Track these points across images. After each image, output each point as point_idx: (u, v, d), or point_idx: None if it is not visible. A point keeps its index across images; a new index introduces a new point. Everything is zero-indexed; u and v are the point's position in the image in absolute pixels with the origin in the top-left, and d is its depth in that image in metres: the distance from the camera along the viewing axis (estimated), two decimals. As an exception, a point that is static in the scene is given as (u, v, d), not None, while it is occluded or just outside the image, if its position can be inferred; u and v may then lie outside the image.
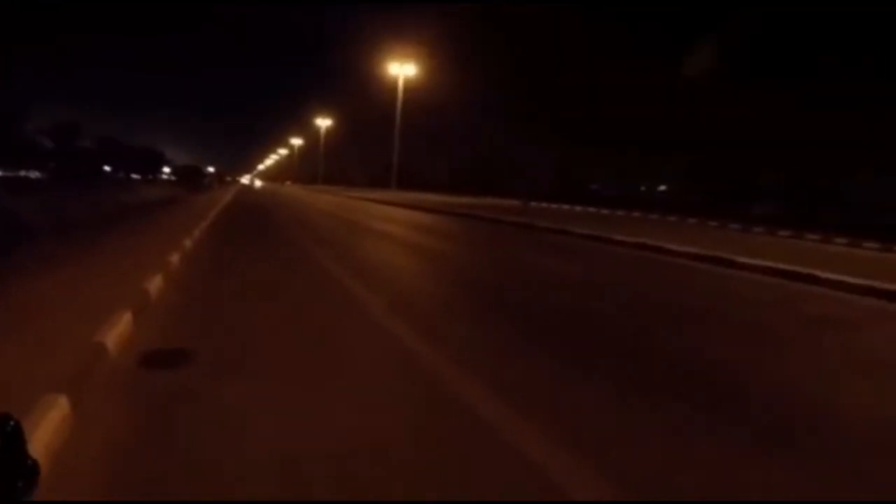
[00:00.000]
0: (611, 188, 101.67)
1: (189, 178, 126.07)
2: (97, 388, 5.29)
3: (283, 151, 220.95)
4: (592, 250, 20.74)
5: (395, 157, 75.08)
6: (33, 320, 6.91)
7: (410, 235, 24.30)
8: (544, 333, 8.43)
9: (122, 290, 8.53)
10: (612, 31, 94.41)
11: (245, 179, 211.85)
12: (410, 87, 72.70)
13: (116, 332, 6.50)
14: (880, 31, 55.75)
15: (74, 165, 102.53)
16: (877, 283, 13.43)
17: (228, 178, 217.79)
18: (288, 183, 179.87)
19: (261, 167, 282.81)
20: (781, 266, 15.81)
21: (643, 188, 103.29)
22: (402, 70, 71.26)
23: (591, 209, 54.86)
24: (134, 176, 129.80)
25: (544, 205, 61.24)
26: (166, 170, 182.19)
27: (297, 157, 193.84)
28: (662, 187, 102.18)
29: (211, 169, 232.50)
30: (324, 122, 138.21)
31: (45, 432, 4.01)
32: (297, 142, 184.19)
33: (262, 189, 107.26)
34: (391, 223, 29.94)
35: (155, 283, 9.48)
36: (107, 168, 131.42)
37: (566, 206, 58.69)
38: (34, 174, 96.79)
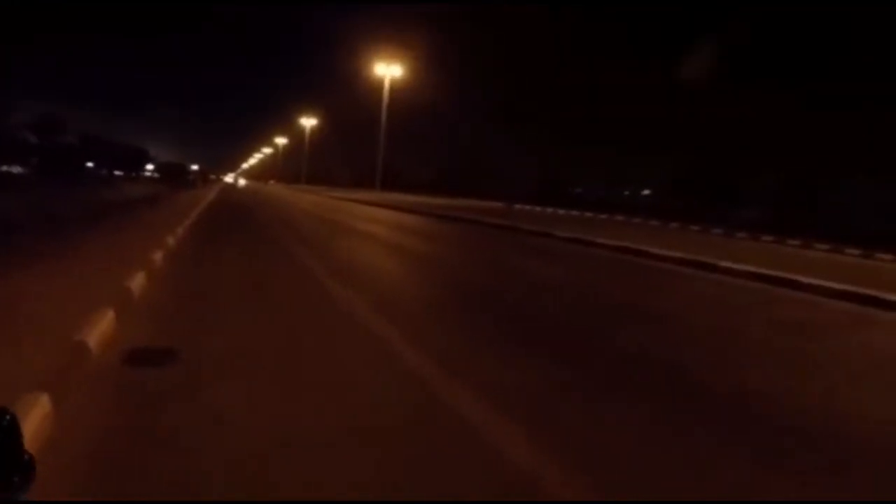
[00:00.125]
0: (594, 191, 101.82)
1: (173, 175, 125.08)
2: (79, 386, 5.29)
3: (267, 150, 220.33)
4: (574, 253, 20.81)
5: (380, 158, 75.00)
6: (14, 317, 6.89)
7: (394, 237, 24.31)
8: (526, 334, 8.49)
9: (105, 287, 8.50)
10: (599, 32, 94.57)
11: (229, 178, 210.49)
12: (396, 87, 72.67)
13: (99, 330, 6.49)
14: (871, 33, 56.09)
15: (57, 161, 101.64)
16: (850, 288, 13.57)
17: (213, 177, 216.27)
18: (271, 182, 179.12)
19: (245, 166, 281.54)
20: (761, 270, 15.93)
21: (627, 192, 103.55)
22: (388, 71, 71.19)
23: (575, 212, 54.95)
24: (117, 173, 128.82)
25: (527, 207, 61.26)
26: (150, 167, 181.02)
27: (281, 157, 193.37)
28: (646, 192, 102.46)
29: (195, 167, 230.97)
30: (309, 122, 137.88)
31: (26, 431, 3.99)
32: (281, 141, 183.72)
33: (246, 188, 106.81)
34: (375, 224, 29.92)
35: (138, 281, 9.46)
36: (90, 164, 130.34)
37: (549, 209, 58.73)
38: (16, 169, 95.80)
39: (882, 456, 5.16)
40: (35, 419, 4.20)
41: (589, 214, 52.28)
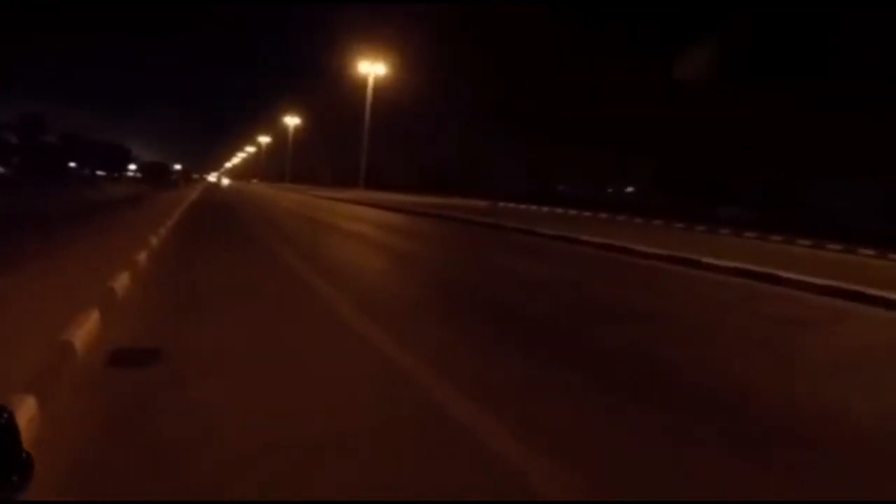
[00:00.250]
0: (579, 189, 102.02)
1: (155, 175, 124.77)
2: (65, 387, 5.28)
3: (250, 149, 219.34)
4: (559, 251, 20.89)
5: (363, 157, 74.86)
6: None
7: (378, 235, 24.31)
8: (509, 331, 8.54)
9: (90, 288, 8.48)
10: (586, 32, 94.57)
11: (212, 177, 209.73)
12: (381, 86, 72.58)
13: (84, 330, 6.48)
14: (863, 33, 56.34)
15: (39, 161, 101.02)
16: (831, 283, 13.69)
17: (196, 176, 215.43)
18: (254, 181, 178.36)
19: (228, 165, 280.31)
20: (744, 266, 16.05)
21: (610, 190, 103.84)
22: (372, 69, 71.07)
23: (559, 210, 55.04)
24: (99, 173, 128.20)
25: (512, 205, 61.32)
26: (132, 167, 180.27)
27: (264, 156, 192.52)
28: (629, 189, 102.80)
29: (178, 166, 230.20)
30: (292, 121, 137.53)
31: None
32: (265, 140, 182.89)
33: (230, 187, 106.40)
34: (358, 222, 29.90)
35: (122, 282, 9.44)
36: (72, 164, 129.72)
37: (534, 207, 58.81)
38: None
39: (850, 444, 5.23)
40: (21, 421, 4.19)
41: (573, 212, 52.35)
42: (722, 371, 7.36)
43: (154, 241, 15.16)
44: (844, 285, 13.56)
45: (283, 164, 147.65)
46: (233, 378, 5.86)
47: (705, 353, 8.26)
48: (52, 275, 9.72)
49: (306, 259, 14.82)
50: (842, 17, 57.30)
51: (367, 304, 9.66)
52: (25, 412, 4.32)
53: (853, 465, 4.89)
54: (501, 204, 63.19)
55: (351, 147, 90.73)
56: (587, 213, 50.77)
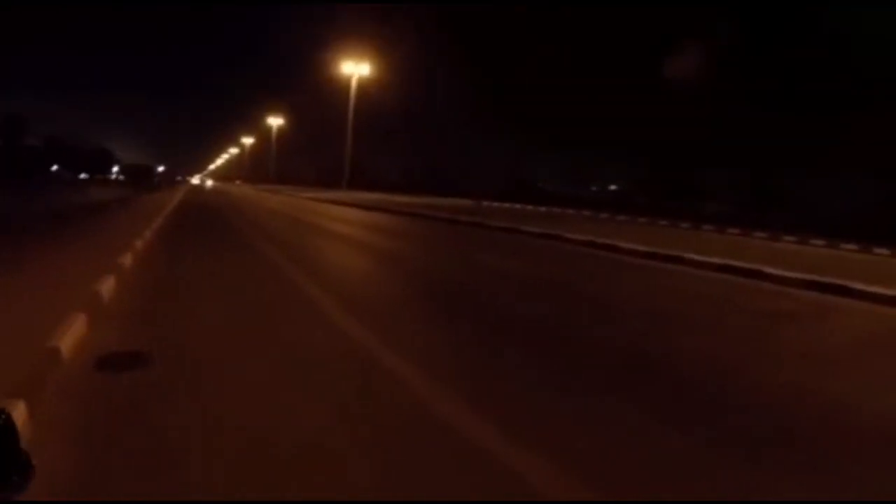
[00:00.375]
0: (562, 187, 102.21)
1: (138, 178, 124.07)
2: (54, 392, 5.29)
3: (234, 150, 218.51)
4: (543, 248, 20.97)
5: (347, 157, 74.80)
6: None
7: (363, 235, 24.31)
8: (491, 325, 8.60)
9: (76, 292, 8.47)
10: (573, 30, 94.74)
11: (196, 179, 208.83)
12: (363, 86, 72.51)
13: (72, 334, 6.48)
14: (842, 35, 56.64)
15: (21, 164, 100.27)
16: (813, 277, 13.82)
17: (179, 178, 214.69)
18: (238, 182, 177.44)
19: (211, 167, 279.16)
20: (725, 262, 16.18)
21: (594, 188, 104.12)
22: (355, 69, 71.01)
23: (543, 208, 55.14)
24: (82, 175, 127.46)
25: (496, 204, 61.40)
26: (115, 169, 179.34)
27: (247, 157, 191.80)
28: (613, 187, 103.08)
29: (161, 168, 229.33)
30: (276, 121, 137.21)
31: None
32: (248, 141, 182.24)
33: (214, 189, 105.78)
34: (343, 223, 29.88)
35: (108, 285, 9.43)
36: (54, 167, 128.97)
37: (518, 206, 58.91)
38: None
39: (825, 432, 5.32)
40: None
41: (557, 210, 52.47)
42: (705, 360, 7.44)
43: (139, 244, 15.12)
44: (827, 280, 13.70)
45: (267, 165, 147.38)
46: (223, 379, 5.88)
47: (689, 344, 8.34)
48: (40, 279, 9.68)
49: (292, 260, 14.82)
50: (827, 17, 57.58)
51: (353, 304, 9.70)
52: (17, 417, 4.33)
53: (833, 449, 4.97)
54: (485, 203, 63.27)
55: (334, 147, 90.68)
56: (571, 211, 50.90)
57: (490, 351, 7.49)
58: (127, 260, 12.27)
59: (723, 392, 6.41)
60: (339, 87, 73.77)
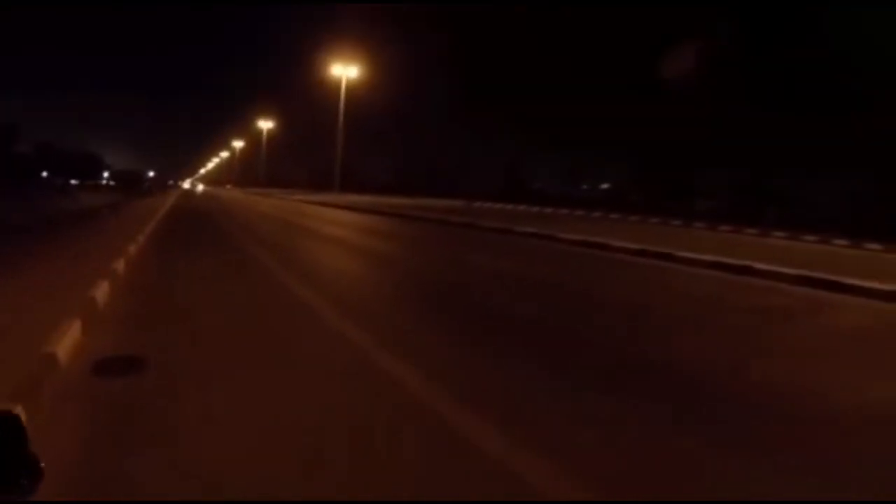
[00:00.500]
0: (554, 187, 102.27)
1: (129, 183, 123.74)
2: (52, 396, 5.30)
3: (224, 154, 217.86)
4: (536, 248, 21.02)
5: (338, 159, 74.77)
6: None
7: (355, 238, 24.35)
8: (485, 326, 8.63)
9: (70, 297, 8.47)
10: (566, 30, 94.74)
11: (186, 184, 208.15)
12: (354, 87, 72.49)
13: (67, 340, 6.49)
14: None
15: (12, 171, 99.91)
16: (805, 273, 13.88)
17: (170, 182, 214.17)
18: (228, 186, 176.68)
19: (202, 171, 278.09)
20: (717, 259, 16.25)
21: (586, 187, 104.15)
22: (344, 71, 70.99)
23: (535, 208, 55.15)
24: (73, 182, 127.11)
25: (488, 205, 61.40)
26: (106, 175, 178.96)
27: (237, 160, 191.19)
28: (605, 185, 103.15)
29: (151, 173, 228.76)
30: (266, 125, 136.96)
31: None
32: (238, 144, 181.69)
33: (205, 193, 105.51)
34: (335, 226, 29.88)
35: (102, 290, 9.42)
36: (45, 174, 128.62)
37: (510, 206, 58.92)
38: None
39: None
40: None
41: (549, 210, 52.48)
42: (696, 357, 7.48)
43: (132, 249, 15.10)
44: (818, 275, 13.76)
45: (258, 169, 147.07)
46: (218, 383, 5.90)
47: (680, 342, 8.39)
48: (34, 285, 9.67)
49: (284, 263, 14.84)
50: (827, 17, 57.67)
51: (347, 307, 9.73)
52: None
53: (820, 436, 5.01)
54: (477, 203, 63.27)
55: (325, 150, 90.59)
56: (563, 211, 50.91)
57: (483, 350, 7.52)
58: (120, 265, 12.26)
59: (712, 388, 6.44)
60: (330, 89, 73.80)
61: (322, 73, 74.17)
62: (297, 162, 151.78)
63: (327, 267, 15.97)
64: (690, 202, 66.98)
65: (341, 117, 70.71)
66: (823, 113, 57.06)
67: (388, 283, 13.48)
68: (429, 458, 4.46)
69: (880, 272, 14.88)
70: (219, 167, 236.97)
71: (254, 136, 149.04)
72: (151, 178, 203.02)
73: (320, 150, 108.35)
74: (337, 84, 71.33)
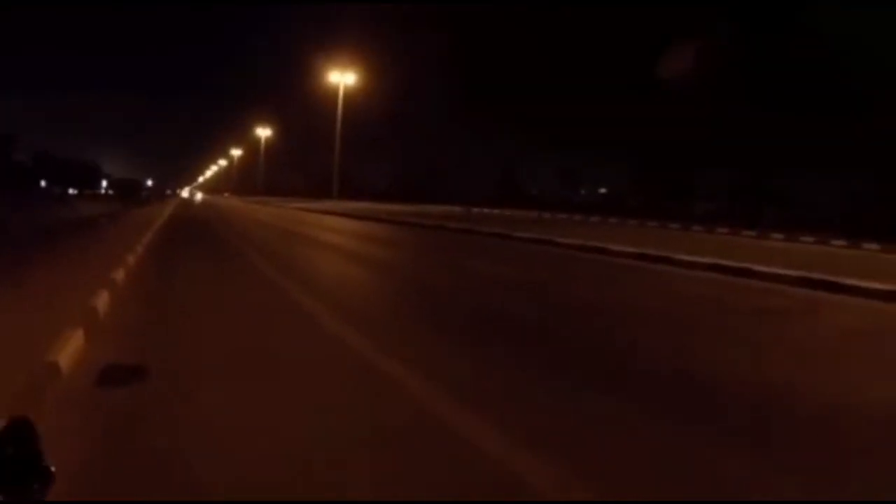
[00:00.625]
0: (552, 192, 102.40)
1: (127, 192, 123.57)
2: (55, 405, 5.32)
3: (222, 162, 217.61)
4: (535, 253, 21.07)
5: (336, 167, 74.79)
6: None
7: (356, 245, 24.39)
8: (491, 332, 8.66)
9: (71, 307, 8.48)
10: (563, 30, 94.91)
11: (185, 192, 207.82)
12: (351, 94, 72.51)
13: (70, 350, 6.50)
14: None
15: (10, 180, 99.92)
16: (804, 274, 13.92)
17: (168, 191, 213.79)
18: (226, 195, 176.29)
19: (200, 179, 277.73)
20: (715, 261, 16.30)
21: (584, 191, 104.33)
22: (342, 78, 71.03)
23: (533, 213, 55.21)
24: (71, 191, 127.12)
25: (486, 210, 61.45)
26: (104, 184, 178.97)
27: (236, 169, 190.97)
28: (603, 190, 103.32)
29: (149, 182, 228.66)
30: (264, 132, 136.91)
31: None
32: (237, 152, 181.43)
33: (203, 202, 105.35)
34: (335, 233, 29.95)
35: (103, 300, 9.43)
36: (43, 183, 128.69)
37: (508, 212, 58.99)
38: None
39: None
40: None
41: (547, 215, 52.56)
42: (694, 359, 7.51)
43: (131, 259, 15.10)
44: (817, 276, 13.80)
45: (256, 177, 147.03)
46: (220, 391, 5.92)
47: (680, 344, 8.42)
48: (34, 294, 9.69)
49: (283, 271, 14.83)
50: (826, 18, 57.79)
51: (346, 312, 9.76)
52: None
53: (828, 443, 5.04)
54: (475, 209, 63.32)
55: (323, 157, 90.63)
56: (562, 216, 50.99)
57: (483, 353, 7.55)
58: (120, 274, 12.26)
59: (711, 388, 6.47)
60: (327, 95, 73.78)
61: (320, 79, 74.20)
62: (295, 169, 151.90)
63: (327, 274, 16.02)
64: (690, 204, 67.06)
65: (339, 124, 70.81)
66: (823, 113, 57.15)
67: (388, 290, 13.52)
68: (427, 456, 4.49)
69: (879, 272, 14.93)
70: (217, 175, 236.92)
71: (252, 145, 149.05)
72: (150, 187, 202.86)
73: (318, 157, 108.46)
74: (335, 90, 71.35)
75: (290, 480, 4.13)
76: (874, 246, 24.42)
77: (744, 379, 6.93)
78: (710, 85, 62.26)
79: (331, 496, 3.96)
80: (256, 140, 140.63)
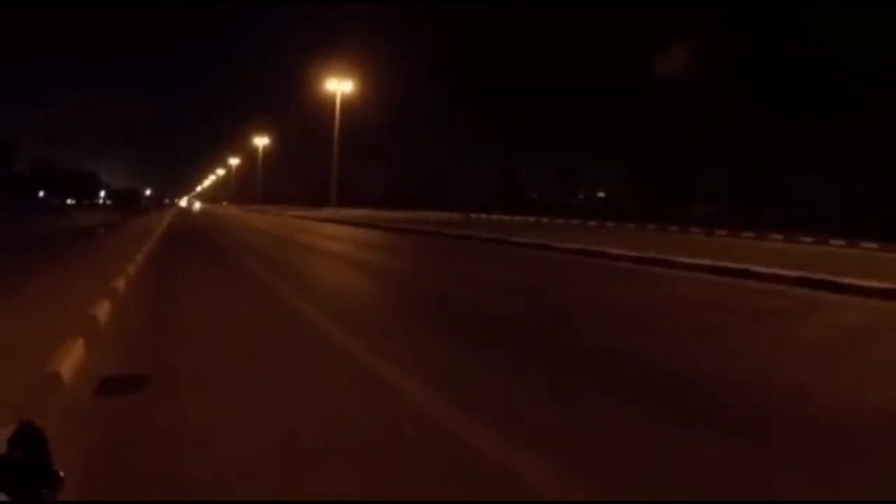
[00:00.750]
0: (551, 195, 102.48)
1: (126, 202, 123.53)
2: (57, 414, 5.33)
3: (220, 171, 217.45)
4: (534, 258, 21.11)
5: (334, 175, 74.70)
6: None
7: (356, 253, 24.41)
8: (473, 330, 8.68)
9: (73, 316, 8.49)
10: (561, 31, 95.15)
11: (183, 202, 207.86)
12: (348, 101, 72.45)
13: (71, 359, 6.51)
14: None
15: (9, 191, 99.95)
16: (804, 274, 13.94)
17: (167, 201, 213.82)
18: (224, 204, 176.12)
19: (199, 188, 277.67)
20: (714, 263, 16.33)
21: (582, 196, 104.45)
22: (339, 86, 70.99)
23: (532, 218, 55.25)
24: (69, 201, 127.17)
25: (484, 216, 61.47)
26: (102, 193, 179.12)
27: (234, 178, 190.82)
28: (601, 194, 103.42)
29: (148, 192, 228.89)
30: (261, 141, 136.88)
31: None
32: (235, 161, 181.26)
33: (202, 211, 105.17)
34: (334, 241, 29.97)
35: (103, 309, 9.44)
36: (42, 193, 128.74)
37: (506, 217, 59.02)
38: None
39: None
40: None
41: (545, 220, 52.59)
42: (698, 360, 7.53)
43: (131, 268, 15.10)
44: (817, 276, 13.84)
45: (254, 185, 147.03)
46: (222, 396, 5.93)
47: (680, 344, 8.44)
48: (36, 304, 9.70)
49: (283, 278, 14.83)
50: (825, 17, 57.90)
51: (346, 318, 9.80)
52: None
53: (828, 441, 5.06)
54: (473, 215, 63.35)
55: (321, 165, 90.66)
56: (560, 220, 51.00)
57: (483, 356, 7.56)
58: (120, 284, 12.26)
59: (710, 389, 6.49)
60: (325, 102, 73.68)
61: (317, 86, 74.09)
62: (293, 177, 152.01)
63: (327, 281, 15.99)
64: (689, 205, 67.10)
65: (336, 132, 70.71)
66: (823, 113, 57.26)
67: (389, 296, 13.53)
68: (424, 457, 4.51)
69: (878, 271, 14.97)
70: (215, 185, 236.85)
71: (250, 153, 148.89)
72: (148, 197, 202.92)
73: (316, 164, 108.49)
74: (332, 98, 71.28)
75: (285, 481, 4.16)
76: (872, 245, 24.46)
77: (742, 379, 6.95)
78: (710, 85, 62.39)
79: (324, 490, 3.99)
80: (254, 149, 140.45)
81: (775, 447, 4.97)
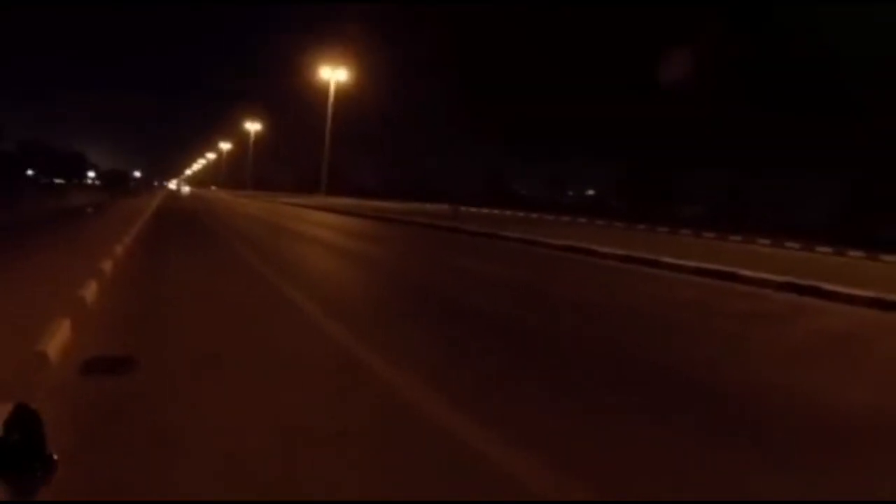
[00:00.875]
0: (541, 192, 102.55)
1: (115, 183, 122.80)
2: (43, 394, 5.34)
3: (211, 156, 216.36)
4: (522, 253, 21.16)
5: (325, 163, 74.53)
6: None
7: (343, 241, 24.40)
8: (460, 322, 8.71)
9: (59, 296, 8.48)
10: (556, 31, 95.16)
11: (172, 185, 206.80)
12: (343, 90, 72.25)
13: (58, 339, 6.51)
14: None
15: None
16: (790, 279, 14.03)
17: (156, 183, 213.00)
18: (213, 188, 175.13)
19: (188, 172, 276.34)
20: (700, 265, 16.41)
21: (571, 193, 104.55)
22: (333, 75, 70.78)
23: (520, 213, 55.28)
24: (57, 181, 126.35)
25: (473, 209, 61.47)
26: (91, 174, 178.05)
27: (224, 162, 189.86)
28: (590, 192, 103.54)
29: (137, 174, 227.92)
30: (253, 127, 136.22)
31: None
32: (226, 146, 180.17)
33: (191, 195, 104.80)
34: (323, 228, 29.93)
35: (90, 290, 9.42)
36: (30, 172, 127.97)
37: (496, 211, 59.05)
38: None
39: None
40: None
41: (534, 215, 52.63)
42: (680, 361, 7.58)
43: (119, 249, 15.06)
44: (802, 281, 13.93)
45: (244, 171, 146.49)
46: (209, 379, 5.95)
47: (665, 345, 8.49)
48: (22, 284, 9.67)
49: (271, 264, 14.82)
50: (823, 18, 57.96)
51: (334, 307, 9.81)
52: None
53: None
54: (463, 208, 63.36)
55: (313, 152, 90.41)
56: (549, 217, 51.05)
57: (466, 347, 7.60)
58: (108, 265, 12.23)
59: (690, 386, 6.54)
60: (319, 90, 73.48)
61: (311, 74, 73.87)
62: (285, 164, 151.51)
63: (316, 269, 16.00)
64: (678, 206, 67.22)
65: (329, 121, 70.53)
66: (823, 113, 57.43)
67: (374, 285, 13.57)
68: (407, 440, 4.54)
69: (865, 279, 15.09)
70: (205, 169, 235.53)
71: (241, 138, 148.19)
72: (137, 179, 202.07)
73: (308, 152, 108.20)
74: (326, 86, 71.07)
75: (265, 460, 4.18)
76: (859, 253, 24.63)
77: (727, 379, 7.01)
78: (710, 85, 62.50)
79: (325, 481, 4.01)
80: (246, 134, 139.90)
81: (764, 447, 5.03)
